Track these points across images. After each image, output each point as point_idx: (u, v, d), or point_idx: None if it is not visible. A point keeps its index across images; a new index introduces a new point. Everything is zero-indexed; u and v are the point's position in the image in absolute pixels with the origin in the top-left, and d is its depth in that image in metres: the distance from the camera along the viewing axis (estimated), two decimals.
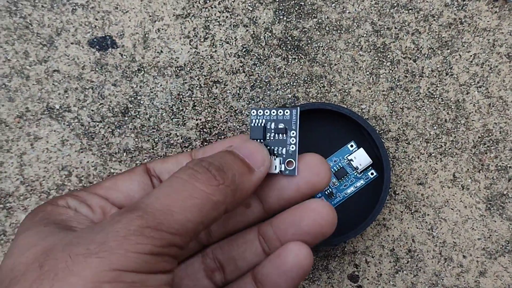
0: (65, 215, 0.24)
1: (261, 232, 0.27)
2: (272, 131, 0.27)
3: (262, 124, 0.27)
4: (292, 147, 0.27)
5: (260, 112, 0.27)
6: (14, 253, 0.22)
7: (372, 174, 0.34)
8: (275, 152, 0.27)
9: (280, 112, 0.27)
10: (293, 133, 0.27)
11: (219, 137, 0.36)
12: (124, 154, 0.35)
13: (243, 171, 0.24)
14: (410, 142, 0.35)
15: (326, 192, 0.34)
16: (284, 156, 0.27)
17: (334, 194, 0.34)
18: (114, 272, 0.20)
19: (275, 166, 0.26)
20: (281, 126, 0.27)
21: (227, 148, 0.25)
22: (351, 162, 0.34)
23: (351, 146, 0.35)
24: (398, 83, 0.36)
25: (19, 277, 0.20)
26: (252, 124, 0.27)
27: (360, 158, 0.34)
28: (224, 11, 0.36)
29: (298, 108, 0.27)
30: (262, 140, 0.27)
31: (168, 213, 0.21)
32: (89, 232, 0.21)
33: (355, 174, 0.35)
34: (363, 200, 0.34)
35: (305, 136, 0.35)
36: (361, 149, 0.34)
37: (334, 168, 0.35)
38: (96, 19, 0.36)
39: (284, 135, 0.27)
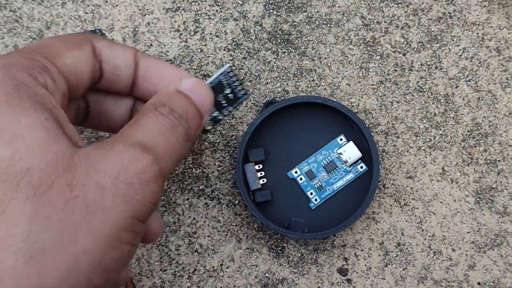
0: (47, 99, 0.21)
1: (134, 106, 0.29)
2: (222, 95, 0.29)
3: (226, 85, 0.29)
4: (218, 116, 0.30)
5: (231, 75, 0.29)
6: (15, 141, 0.19)
7: (361, 167, 0.34)
8: None
9: (239, 90, 0.30)
10: (228, 109, 0.30)
11: (209, 130, 0.35)
12: None
13: (199, 123, 0.25)
14: (400, 136, 0.35)
15: (316, 185, 0.34)
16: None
17: (324, 188, 0.34)
18: (131, 219, 0.20)
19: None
20: (231, 97, 0.30)
21: (186, 92, 0.25)
22: (341, 155, 0.34)
23: (341, 139, 0.35)
24: (387, 77, 0.36)
25: (49, 184, 0.19)
26: (219, 78, 0.29)
27: (350, 151, 0.34)
28: (214, 5, 0.36)
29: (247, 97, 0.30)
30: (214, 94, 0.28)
31: (169, 162, 0.22)
32: (107, 162, 0.20)
33: (345, 167, 0.35)
34: (352, 193, 0.34)
35: (295, 129, 0.35)
36: (351, 142, 0.34)
37: (324, 161, 0.35)
38: (86, 13, 0.36)
39: (226, 103, 0.30)
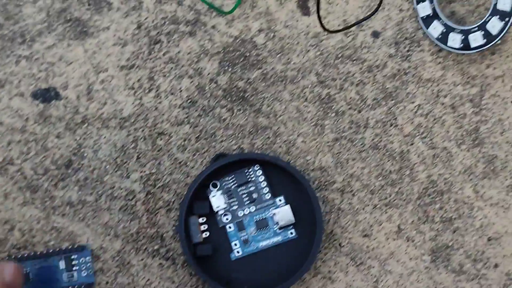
0: None
1: None
2: None
3: None
4: None
5: None
6: None
7: (291, 233, 0.34)
8: None
9: None
10: None
11: (164, 189, 0.35)
12: (68, 207, 0.35)
13: None
14: (355, 194, 0.35)
15: (242, 238, 0.34)
16: None
17: (249, 243, 0.34)
18: None
19: None
20: None
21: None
22: (274, 216, 0.34)
23: (280, 200, 0.35)
24: (343, 134, 0.35)
25: None
26: None
27: (284, 214, 0.34)
28: (169, 62, 0.36)
29: None
30: None
31: None
32: None
33: (275, 229, 0.34)
34: (278, 258, 0.34)
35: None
36: (288, 206, 0.34)
37: (257, 217, 0.34)
38: (40, 71, 0.36)
39: None
